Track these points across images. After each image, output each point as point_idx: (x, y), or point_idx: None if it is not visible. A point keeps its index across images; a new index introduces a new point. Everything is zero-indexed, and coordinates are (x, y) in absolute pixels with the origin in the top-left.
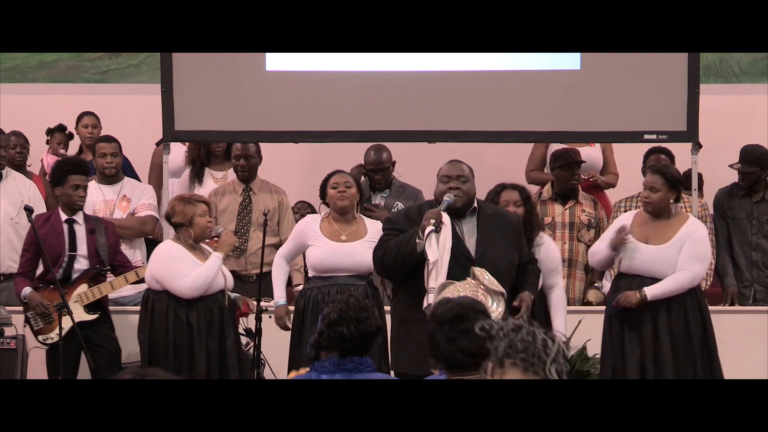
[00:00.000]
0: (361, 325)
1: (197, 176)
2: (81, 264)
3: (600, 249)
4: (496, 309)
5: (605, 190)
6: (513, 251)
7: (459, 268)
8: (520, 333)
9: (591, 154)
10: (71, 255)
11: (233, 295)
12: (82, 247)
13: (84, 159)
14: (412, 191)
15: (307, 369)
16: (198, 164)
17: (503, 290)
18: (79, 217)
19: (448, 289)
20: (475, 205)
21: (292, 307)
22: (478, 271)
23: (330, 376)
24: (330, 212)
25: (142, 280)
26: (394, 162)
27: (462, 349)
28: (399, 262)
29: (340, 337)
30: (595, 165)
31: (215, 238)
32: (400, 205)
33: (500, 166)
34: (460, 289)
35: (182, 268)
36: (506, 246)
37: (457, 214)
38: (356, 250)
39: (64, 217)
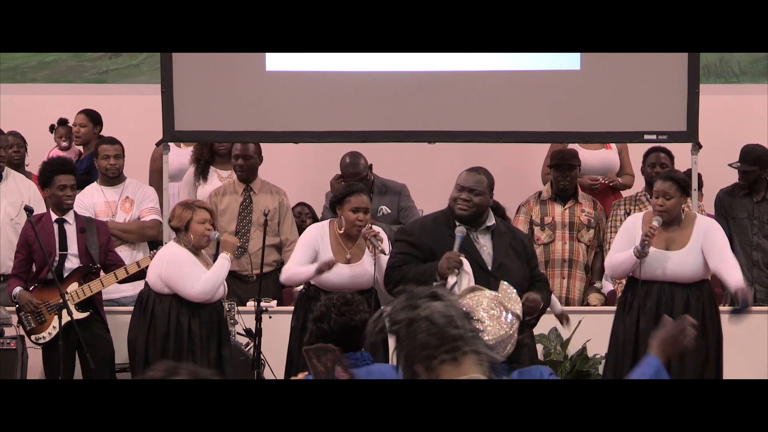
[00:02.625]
0: (342, 318)
1: (202, 174)
2: (72, 263)
3: (623, 259)
4: (503, 323)
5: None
6: (525, 267)
7: (476, 279)
8: (421, 326)
9: (608, 157)
10: (62, 254)
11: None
12: (72, 246)
13: (70, 159)
14: (395, 188)
15: (306, 373)
16: (203, 163)
17: (521, 315)
18: (69, 217)
19: (475, 295)
20: (493, 221)
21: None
22: (505, 286)
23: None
24: (338, 227)
25: (132, 277)
26: (371, 165)
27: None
28: None
29: (323, 334)
30: (612, 167)
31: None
32: (385, 209)
33: (504, 166)
34: (483, 300)
35: (192, 273)
36: (520, 261)
37: (469, 223)
38: (360, 272)
39: (54, 217)
